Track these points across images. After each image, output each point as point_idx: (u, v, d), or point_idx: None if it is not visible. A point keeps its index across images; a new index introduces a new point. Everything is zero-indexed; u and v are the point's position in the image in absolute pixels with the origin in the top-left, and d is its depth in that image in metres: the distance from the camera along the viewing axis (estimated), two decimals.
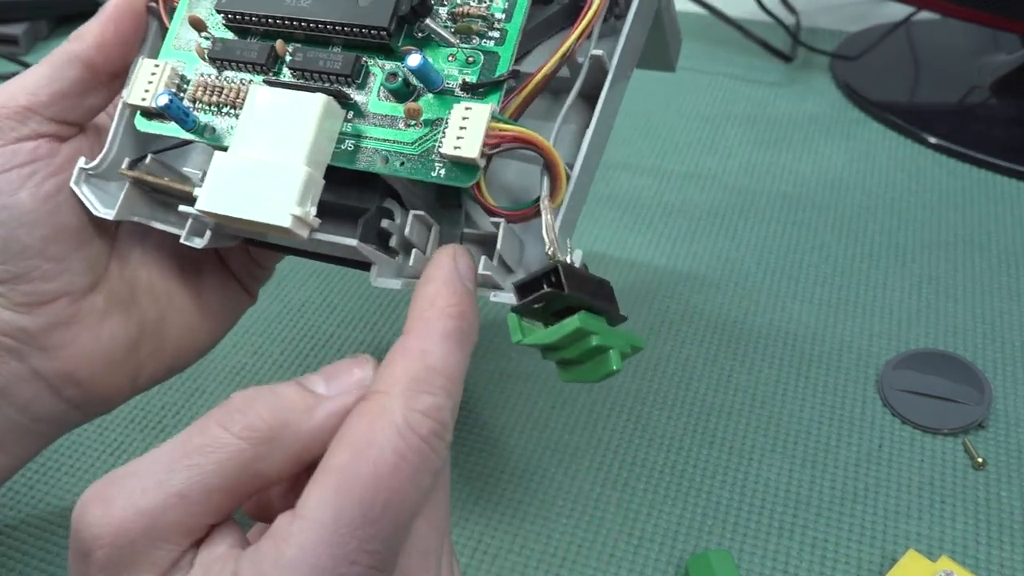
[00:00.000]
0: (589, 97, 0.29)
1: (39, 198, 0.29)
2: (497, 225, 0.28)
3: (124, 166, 0.31)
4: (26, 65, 0.66)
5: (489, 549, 0.37)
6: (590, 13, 0.28)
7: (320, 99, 0.27)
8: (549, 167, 0.27)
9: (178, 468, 0.23)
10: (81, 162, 0.30)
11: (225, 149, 0.28)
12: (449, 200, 0.30)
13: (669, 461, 0.40)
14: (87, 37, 0.30)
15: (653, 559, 0.36)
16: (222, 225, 0.28)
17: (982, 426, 0.41)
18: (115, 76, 0.31)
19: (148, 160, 0.31)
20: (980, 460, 0.39)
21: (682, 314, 0.48)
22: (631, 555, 0.36)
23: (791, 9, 0.75)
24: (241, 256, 0.36)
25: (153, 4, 0.31)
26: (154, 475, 0.23)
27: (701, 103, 0.66)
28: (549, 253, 0.26)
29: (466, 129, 0.26)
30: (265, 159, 0.26)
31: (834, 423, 0.42)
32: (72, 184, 0.30)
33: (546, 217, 0.26)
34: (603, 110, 0.28)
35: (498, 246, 0.27)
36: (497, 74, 0.27)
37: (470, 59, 0.28)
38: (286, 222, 0.26)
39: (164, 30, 0.31)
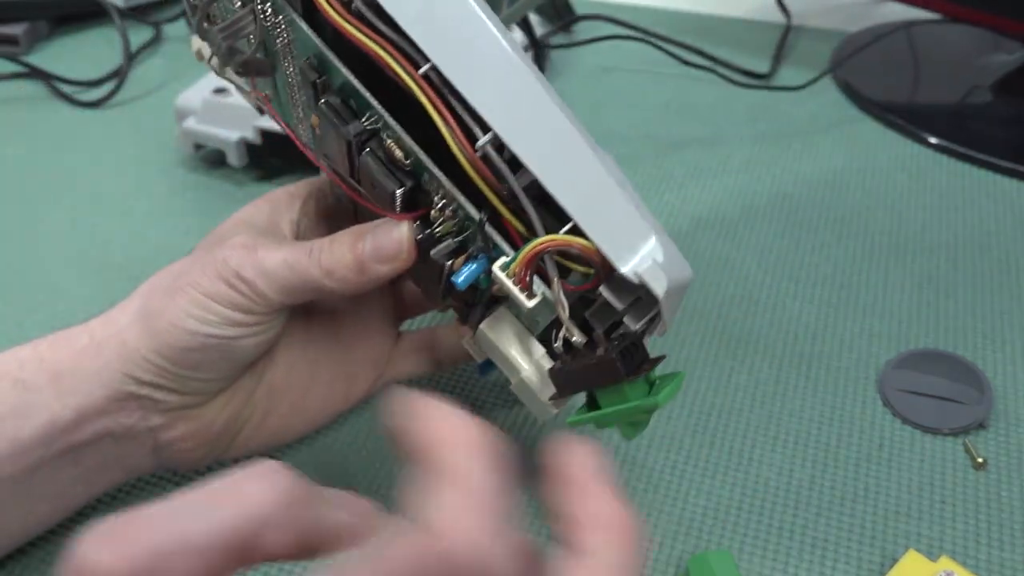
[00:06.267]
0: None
1: (252, 346, 0.34)
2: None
3: None
4: (26, 65, 0.66)
5: None
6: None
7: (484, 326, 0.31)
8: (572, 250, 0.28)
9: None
10: None
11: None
12: None
13: (669, 461, 0.40)
14: (342, 284, 0.33)
15: (653, 559, 0.36)
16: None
17: (983, 426, 0.41)
18: None
19: None
20: (980, 460, 0.39)
21: (682, 314, 0.47)
22: None
23: (785, 12, 0.75)
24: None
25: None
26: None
27: (701, 102, 0.66)
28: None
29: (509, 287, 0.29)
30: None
31: (834, 423, 0.42)
32: None
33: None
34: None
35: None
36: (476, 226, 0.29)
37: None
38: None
39: None
